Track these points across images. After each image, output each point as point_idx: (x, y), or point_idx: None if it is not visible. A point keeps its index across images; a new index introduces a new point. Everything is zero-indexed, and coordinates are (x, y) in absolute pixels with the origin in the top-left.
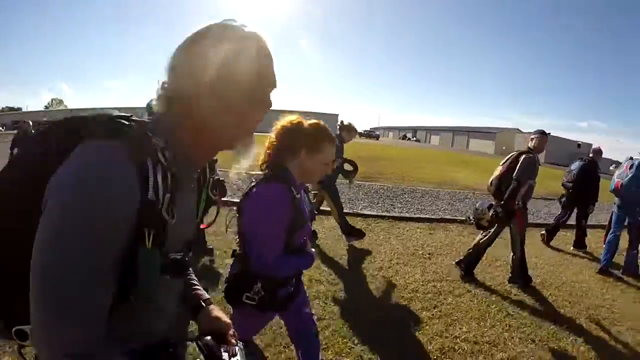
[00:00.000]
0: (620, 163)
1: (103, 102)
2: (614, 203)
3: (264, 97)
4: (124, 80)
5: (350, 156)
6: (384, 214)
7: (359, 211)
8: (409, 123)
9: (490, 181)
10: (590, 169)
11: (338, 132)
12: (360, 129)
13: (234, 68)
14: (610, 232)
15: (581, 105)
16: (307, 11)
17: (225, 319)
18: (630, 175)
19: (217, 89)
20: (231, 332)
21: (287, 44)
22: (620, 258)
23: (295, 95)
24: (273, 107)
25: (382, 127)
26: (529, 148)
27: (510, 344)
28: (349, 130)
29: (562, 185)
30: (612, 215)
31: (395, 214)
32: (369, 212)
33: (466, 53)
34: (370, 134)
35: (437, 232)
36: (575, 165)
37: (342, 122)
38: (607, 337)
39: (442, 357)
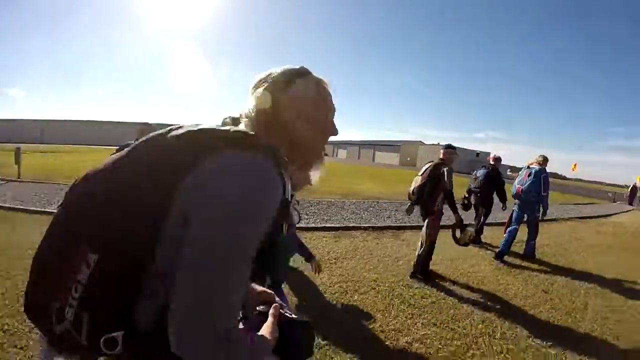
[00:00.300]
0: (517, 167)
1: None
2: (515, 204)
3: (333, 123)
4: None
5: None
6: None
7: None
8: None
9: (412, 190)
10: (493, 175)
11: None
12: None
13: (322, 102)
14: (511, 226)
15: (477, 118)
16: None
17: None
18: (529, 182)
19: (312, 117)
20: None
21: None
22: (515, 249)
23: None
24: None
25: None
26: (441, 159)
27: (413, 329)
28: None
29: (469, 190)
30: (512, 213)
31: (302, 225)
32: None
33: (370, 73)
34: None
35: (342, 239)
36: (481, 172)
37: None
38: (502, 315)
39: (350, 343)
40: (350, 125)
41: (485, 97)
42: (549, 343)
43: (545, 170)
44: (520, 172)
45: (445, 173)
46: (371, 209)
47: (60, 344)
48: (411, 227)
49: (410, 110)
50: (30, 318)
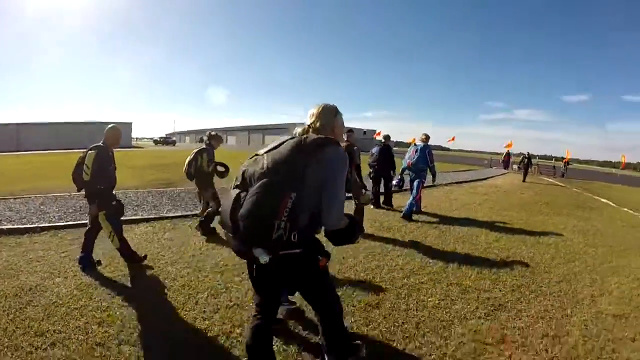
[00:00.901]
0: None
1: None
2: (407, 173)
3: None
4: None
5: (151, 164)
6: (187, 213)
7: (164, 215)
8: (205, 126)
9: None
10: (386, 150)
11: (208, 141)
12: (155, 136)
13: (343, 123)
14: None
15: (366, 98)
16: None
17: None
18: (416, 157)
19: (340, 130)
20: None
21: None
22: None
23: (91, 106)
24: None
25: (177, 132)
26: (347, 142)
27: None
28: (216, 139)
29: (369, 164)
30: (410, 181)
31: (188, 213)
32: (173, 214)
33: (254, 57)
34: (167, 141)
35: None
36: (375, 149)
37: (209, 133)
38: (380, 261)
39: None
40: (240, 110)
41: (373, 78)
42: (422, 280)
43: (428, 145)
44: (408, 149)
45: (355, 152)
46: None
47: (273, 246)
48: None
49: (300, 92)
50: (254, 234)
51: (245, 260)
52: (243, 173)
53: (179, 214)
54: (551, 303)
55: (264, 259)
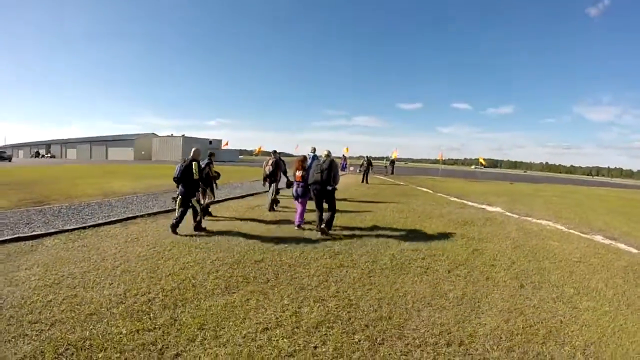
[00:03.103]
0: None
1: None
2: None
3: None
4: None
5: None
6: (79, 226)
7: (49, 231)
8: (40, 138)
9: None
10: (279, 161)
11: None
12: None
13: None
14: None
15: (209, 106)
16: None
17: None
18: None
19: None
20: None
21: None
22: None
23: None
24: None
25: (9, 145)
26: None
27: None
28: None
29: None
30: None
31: (91, 223)
32: (68, 228)
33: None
34: (1, 156)
35: (130, 226)
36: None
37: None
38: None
39: None
40: (74, 120)
41: (213, 87)
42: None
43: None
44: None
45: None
46: (137, 201)
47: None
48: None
49: (138, 101)
50: (326, 181)
51: None
52: (319, 167)
53: (70, 227)
54: (374, 244)
55: (333, 187)
